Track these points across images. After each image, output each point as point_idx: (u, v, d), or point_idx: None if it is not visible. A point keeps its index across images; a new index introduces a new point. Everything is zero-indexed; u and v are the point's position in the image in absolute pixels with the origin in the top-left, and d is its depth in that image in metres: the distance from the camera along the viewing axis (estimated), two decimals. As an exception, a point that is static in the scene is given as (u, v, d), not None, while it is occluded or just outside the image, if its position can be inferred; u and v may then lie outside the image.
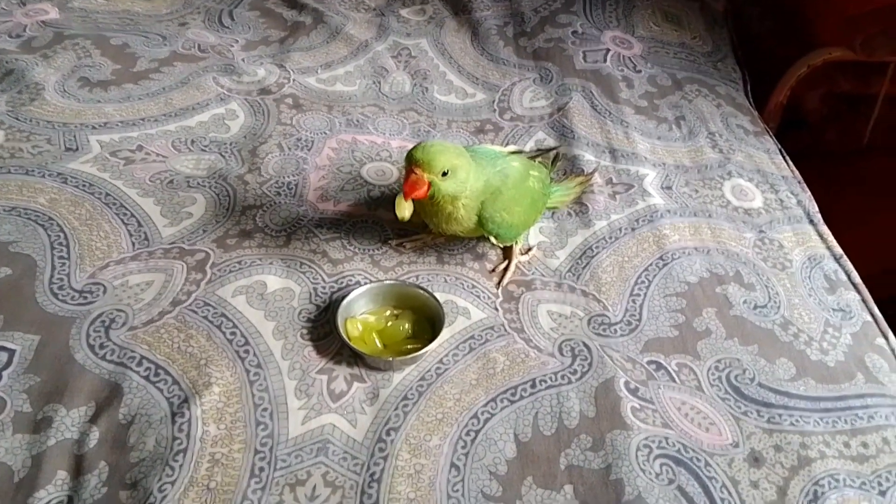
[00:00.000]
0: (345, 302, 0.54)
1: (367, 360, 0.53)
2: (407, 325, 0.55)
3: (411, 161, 0.53)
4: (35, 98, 0.73)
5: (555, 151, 0.68)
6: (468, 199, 0.55)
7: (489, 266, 0.62)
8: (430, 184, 0.53)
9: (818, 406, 0.54)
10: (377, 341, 0.54)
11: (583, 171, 0.72)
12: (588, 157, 0.75)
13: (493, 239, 0.59)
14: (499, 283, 0.60)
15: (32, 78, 0.75)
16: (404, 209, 0.53)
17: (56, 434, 0.46)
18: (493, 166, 0.57)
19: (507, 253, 0.63)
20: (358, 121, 0.78)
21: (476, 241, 0.63)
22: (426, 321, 0.56)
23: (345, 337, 0.53)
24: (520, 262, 0.62)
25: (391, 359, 0.52)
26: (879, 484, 0.49)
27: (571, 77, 0.89)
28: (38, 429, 0.47)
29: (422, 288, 0.57)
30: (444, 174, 0.53)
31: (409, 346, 0.54)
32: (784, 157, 0.82)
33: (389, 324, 0.55)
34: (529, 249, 0.63)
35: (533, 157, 0.63)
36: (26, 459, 0.45)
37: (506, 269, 0.61)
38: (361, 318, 0.55)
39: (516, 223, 0.58)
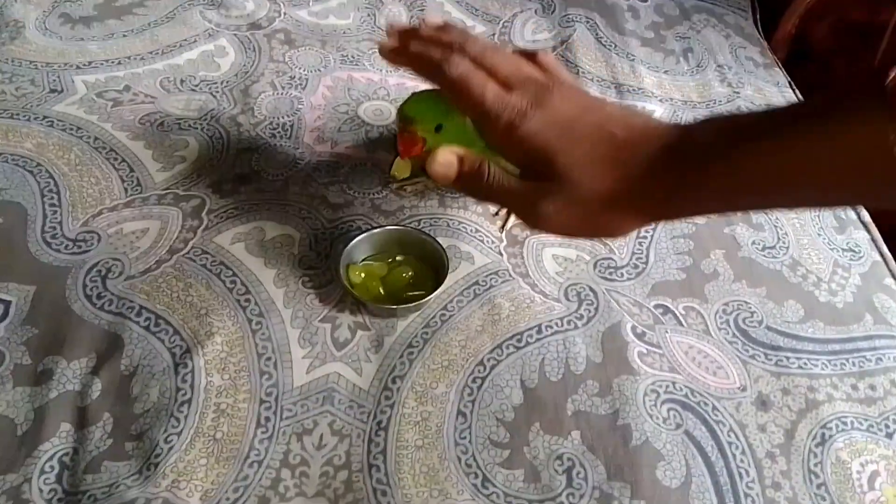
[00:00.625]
0: (346, 248, 0.53)
1: (371, 308, 0.52)
2: (410, 272, 0.54)
3: (402, 118, 0.50)
4: (16, 37, 0.69)
5: None
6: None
7: (492, 209, 0.60)
8: (424, 140, 0.50)
9: (826, 348, 0.54)
10: (380, 289, 0.53)
11: None
12: (593, 93, 0.72)
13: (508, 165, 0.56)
14: (502, 226, 0.59)
15: (11, 15, 0.71)
16: (401, 169, 0.50)
17: (57, 386, 0.46)
18: None
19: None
20: (353, 57, 0.75)
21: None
22: (429, 267, 0.55)
23: (347, 284, 0.51)
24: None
25: (395, 307, 0.51)
26: (887, 426, 0.50)
27: (575, 7, 0.85)
28: (39, 381, 0.46)
29: (424, 233, 0.55)
30: (438, 128, 0.50)
31: (412, 293, 0.53)
32: (794, 91, 0.79)
33: (392, 270, 0.54)
34: None
35: None
36: (29, 412, 0.45)
37: (509, 211, 0.60)
38: (363, 264, 0.54)
39: None
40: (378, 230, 0.55)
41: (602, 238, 0.49)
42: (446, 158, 0.43)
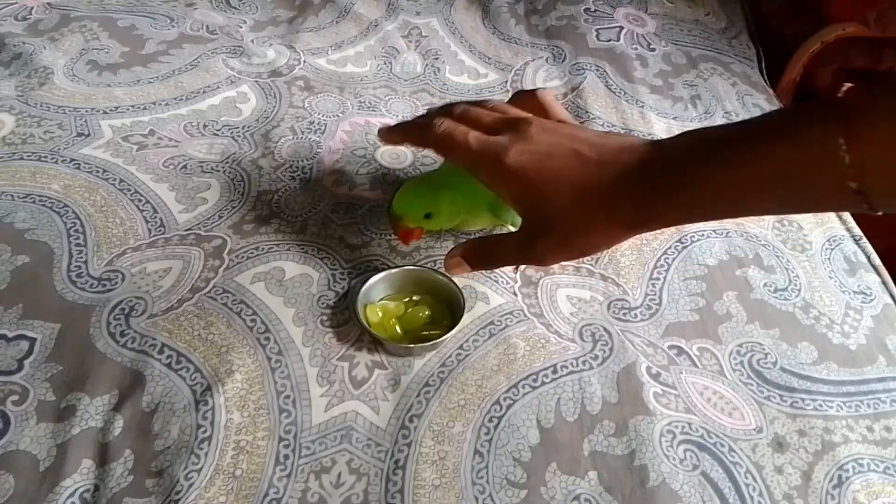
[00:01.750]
0: (364, 288, 0.54)
1: (388, 347, 0.52)
2: (426, 311, 0.55)
3: (392, 217, 0.55)
4: (44, 82, 0.72)
5: None
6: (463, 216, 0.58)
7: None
8: (420, 227, 0.55)
9: (841, 390, 0.54)
10: (397, 327, 0.54)
11: None
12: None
13: (510, 227, 0.58)
14: (516, 267, 0.60)
15: (41, 62, 0.74)
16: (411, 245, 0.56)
17: (80, 423, 0.46)
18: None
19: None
20: (370, 103, 0.77)
21: (492, 228, 0.63)
22: (445, 306, 0.56)
23: (365, 323, 0.52)
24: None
25: (412, 345, 0.52)
26: (904, 468, 0.49)
27: (585, 56, 0.87)
28: (62, 417, 0.47)
29: (440, 273, 0.56)
30: (427, 216, 0.54)
31: (428, 332, 0.54)
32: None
33: (409, 310, 0.55)
34: None
35: None
36: (51, 448, 0.45)
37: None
38: (381, 304, 0.55)
39: None
40: (395, 270, 0.56)
41: (593, 253, 0.54)
42: (454, 263, 0.52)
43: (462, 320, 0.53)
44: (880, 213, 0.36)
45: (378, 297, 0.56)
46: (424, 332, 0.54)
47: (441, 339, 0.52)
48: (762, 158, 0.38)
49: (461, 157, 0.50)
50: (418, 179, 0.56)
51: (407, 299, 0.56)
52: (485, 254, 0.52)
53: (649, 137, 0.52)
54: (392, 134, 0.55)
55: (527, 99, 0.54)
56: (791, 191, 0.38)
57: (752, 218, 0.67)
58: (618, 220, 0.45)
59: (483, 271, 0.58)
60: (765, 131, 0.39)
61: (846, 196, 0.36)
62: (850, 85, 0.37)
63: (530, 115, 0.51)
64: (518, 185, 0.47)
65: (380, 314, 0.54)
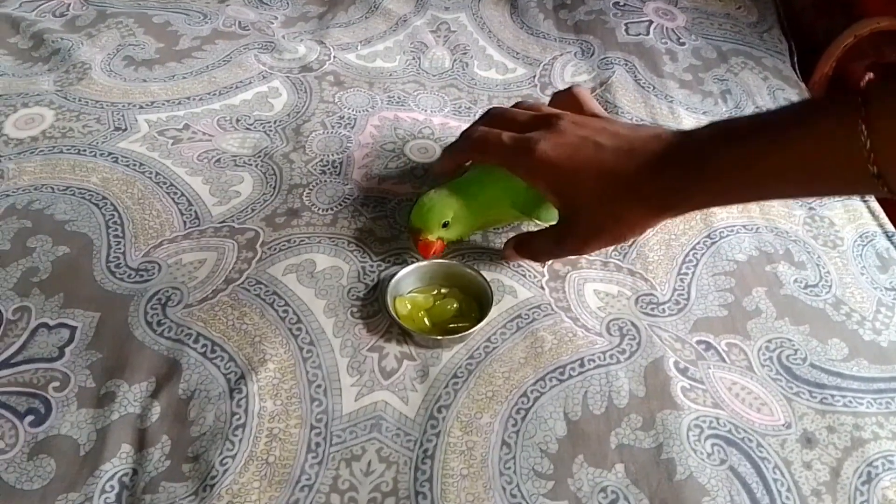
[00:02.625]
0: (393, 280, 0.55)
1: (417, 339, 0.53)
2: (455, 304, 0.55)
3: (411, 230, 0.56)
4: (82, 77, 0.74)
5: None
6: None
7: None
8: (439, 238, 0.56)
9: (871, 387, 0.53)
10: (425, 320, 0.55)
11: None
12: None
13: (537, 221, 0.59)
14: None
15: (79, 57, 0.76)
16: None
17: (119, 409, 0.48)
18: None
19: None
20: (399, 98, 0.78)
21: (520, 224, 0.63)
22: (473, 299, 0.56)
23: (394, 315, 0.53)
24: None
25: (440, 337, 0.53)
26: (935, 466, 0.49)
27: (614, 50, 0.87)
28: (102, 403, 0.48)
29: (469, 266, 0.57)
30: (445, 225, 0.55)
31: (457, 325, 0.54)
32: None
33: (437, 302, 0.56)
34: None
35: None
36: (91, 433, 0.47)
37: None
38: (409, 296, 0.56)
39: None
40: (424, 263, 0.57)
41: (626, 238, 0.56)
42: (509, 255, 0.58)
43: (490, 313, 0.54)
44: None
45: (407, 289, 0.57)
46: (452, 325, 0.54)
47: (469, 331, 0.53)
48: (785, 146, 0.40)
49: (496, 156, 0.53)
50: (434, 191, 0.57)
51: (435, 292, 0.57)
52: (524, 248, 0.57)
53: None
54: (445, 166, 0.59)
55: (562, 96, 0.57)
56: (812, 175, 0.40)
57: (783, 214, 0.67)
58: (647, 204, 0.48)
59: (515, 264, 0.60)
60: (788, 120, 0.41)
61: (866, 180, 0.37)
62: (871, 75, 0.39)
63: (563, 111, 0.53)
64: (552, 176, 0.50)
65: (409, 306, 0.55)
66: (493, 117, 0.56)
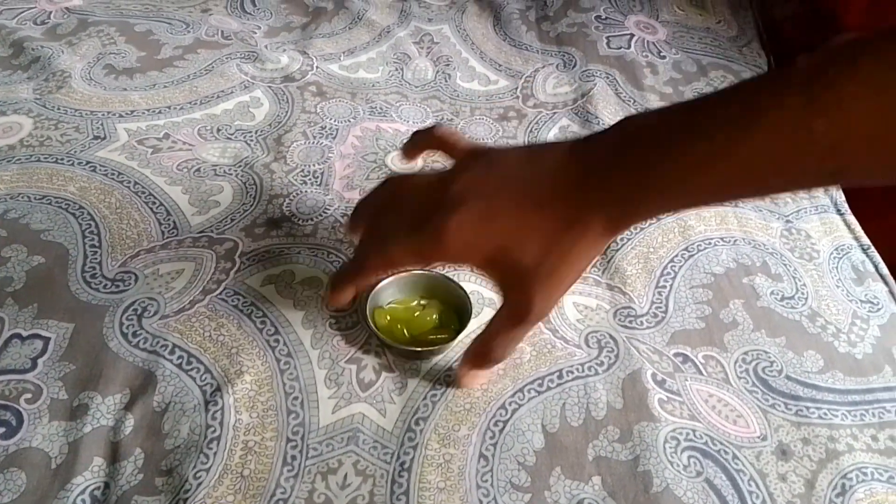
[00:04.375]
0: (372, 292, 0.55)
1: (396, 351, 0.53)
2: (434, 315, 0.55)
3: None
4: (62, 86, 0.73)
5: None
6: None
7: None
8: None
9: (846, 399, 0.54)
10: (405, 331, 0.54)
11: None
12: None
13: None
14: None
15: (59, 65, 0.76)
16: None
17: (92, 421, 0.47)
18: None
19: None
20: (381, 108, 0.78)
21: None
22: (453, 311, 0.56)
23: (373, 327, 0.53)
24: None
25: (419, 349, 0.53)
26: (908, 478, 0.49)
27: (595, 63, 0.88)
28: (74, 416, 0.47)
29: (449, 278, 0.57)
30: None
31: (436, 336, 0.54)
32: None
33: (417, 314, 0.56)
34: None
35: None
36: (63, 446, 0.46)
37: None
38: (389, 308, 0.56)
39: None
40: (404, 275, 0.57)
41: (586, 268, 0.46)
42: (468, 379, 0.51)
43: (469, 325, 0.54)
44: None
45: (386, 301, 0.56)
46: (432, 337, 0.54)
47: (448, 343, 0.53)
48: (731, 150, 0.35)
49: (402, 264, 0.49)
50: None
51: (415, 303, 0.57)
52: (482, 356, 0.48)
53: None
54: (338, 300, 0.52)
55: (428, 139, 0.51)
56: (768, 175, 0.35)
57: (761, 226, 0.68)
58: (586, 224, 0.41)
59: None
60: (733, 114, 0.35)
61: (825, 177, 0.34)
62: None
63: (445, 172, 0.46)
64: (476, 255, 0.44)
65: (388, 318, 0.55)
66: (381, 201, 0.50)
